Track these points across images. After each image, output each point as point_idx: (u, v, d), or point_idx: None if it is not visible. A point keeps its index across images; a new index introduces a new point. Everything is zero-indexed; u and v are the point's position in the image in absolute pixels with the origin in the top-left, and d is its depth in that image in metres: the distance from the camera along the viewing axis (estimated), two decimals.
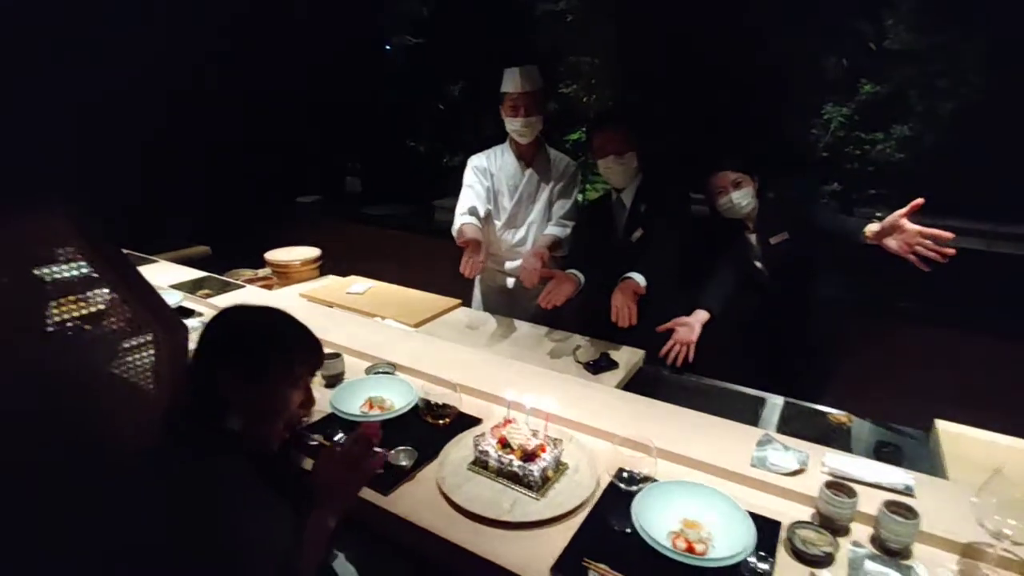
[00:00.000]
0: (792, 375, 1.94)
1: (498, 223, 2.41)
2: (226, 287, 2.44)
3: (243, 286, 2.47)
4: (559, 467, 1.27)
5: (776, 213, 1.98)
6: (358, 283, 2.58)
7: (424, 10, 4.23)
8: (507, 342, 2.11)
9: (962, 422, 1.55)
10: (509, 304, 2.46)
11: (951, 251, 1.41)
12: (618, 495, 1.20)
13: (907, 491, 1.19)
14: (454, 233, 2.28)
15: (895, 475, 1.22)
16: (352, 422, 1.43)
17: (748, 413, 1.73)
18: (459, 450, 1.35)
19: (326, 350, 1.80)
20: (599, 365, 1.86)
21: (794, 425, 1.64)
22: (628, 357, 1.95)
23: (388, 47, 4.43)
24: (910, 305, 2.43)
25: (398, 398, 1.55)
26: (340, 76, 4.30)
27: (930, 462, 1.46)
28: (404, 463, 1.29)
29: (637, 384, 1.89)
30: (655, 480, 1.22)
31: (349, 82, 4.32)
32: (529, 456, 1.22)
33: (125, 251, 2.93)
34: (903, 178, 3.01)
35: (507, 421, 1.31)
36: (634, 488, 1.20)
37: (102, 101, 3.55)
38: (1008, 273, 2.92)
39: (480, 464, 1.28)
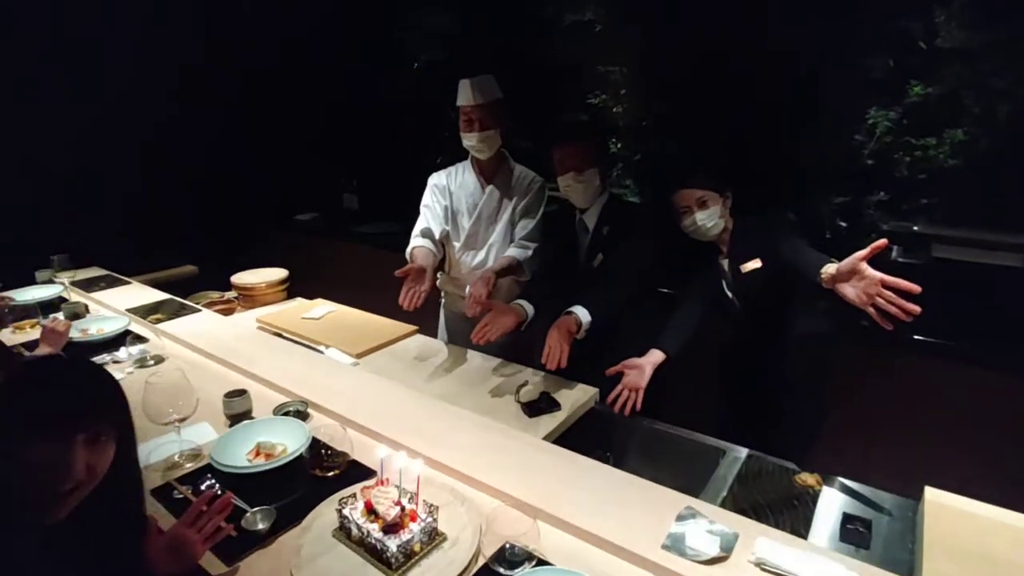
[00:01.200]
0: (765, 422, 1.69)
1: (457, 244, 2.25)
2: (181, 311, 2.37)
3: (199, 311, 2.39)
4: (433, 538, 1.09)
5: (749, 237, 1.74)
6: (319, 307, 2.46)
7: (454, 25, 4.09)
8: (450, 376, 1.94)
9: (968, 485, 1.26)
10: (471, 331, 2.28)
11: (916, 308, 1.17)
12: None
13: None
14: (407, 256, 2.15)
15: (836, 573, 0.97)
16: (229, 473, 1.30)
17: (705, 466, 1.49)
18: (333, 511, 1.18)
19: (238, 386, 1.68)
20: (538, 407, 1.67)
21: (753, 485, 1.39)
22: (577, 397, 1.74)
23: (416, 64, 4.33)
24: (923, 339, 2.11)
25: (292, 443, 1.40)
26: (355, 88, 4.25)
27: (907, 547, 1.19)
28: (260, 527, 1.13)
29: (586, 427, 1.69)
30: (541, 560, 1.03)
31: (363, 94, 4.25)
32: (391, 526, 1.05)
33: (104, 271, 2.94)
34: (958, 185, 2.69)
35: (379, 481, 1.14)
36: (513, 572, 1.01)
37: (101, 111, 3.63)
38: None
39: (345, 531, 1.11)
